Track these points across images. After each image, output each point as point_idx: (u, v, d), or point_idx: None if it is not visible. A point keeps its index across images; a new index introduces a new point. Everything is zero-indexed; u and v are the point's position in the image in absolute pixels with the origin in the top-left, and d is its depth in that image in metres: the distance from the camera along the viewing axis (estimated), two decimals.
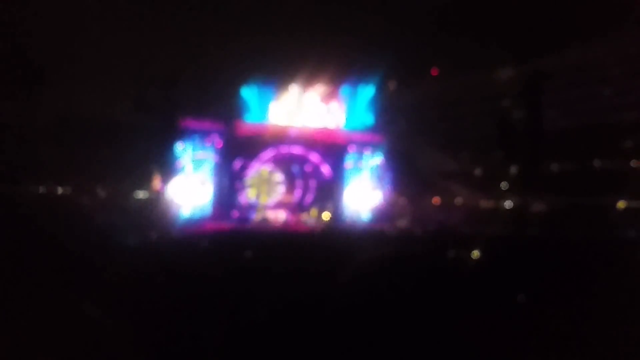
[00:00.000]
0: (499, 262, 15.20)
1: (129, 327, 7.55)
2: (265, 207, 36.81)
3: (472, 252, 16.80)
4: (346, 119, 36.61)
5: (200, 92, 36.02)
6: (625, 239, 26.57)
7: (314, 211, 35.85)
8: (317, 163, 36.48)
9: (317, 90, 35.66)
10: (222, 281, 11.43)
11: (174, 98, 35.54)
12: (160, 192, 33.07)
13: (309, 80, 35.42)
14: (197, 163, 33.26)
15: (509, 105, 47.75)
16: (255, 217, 34.95)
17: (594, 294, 9.85)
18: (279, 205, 37.39)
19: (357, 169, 36.50)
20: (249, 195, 36.68)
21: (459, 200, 43.99)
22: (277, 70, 36.03)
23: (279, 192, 38.26)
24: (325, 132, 36.17)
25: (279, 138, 34.98)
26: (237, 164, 34.71)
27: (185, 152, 32.82)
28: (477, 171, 47.73)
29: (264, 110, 35.12)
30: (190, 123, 33.49)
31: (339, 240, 22.98)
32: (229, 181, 34.37)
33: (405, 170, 37.86)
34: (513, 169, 44.67)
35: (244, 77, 35.00)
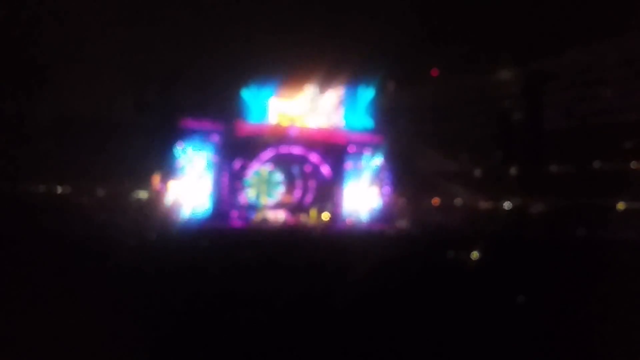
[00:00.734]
0: (498, 262, 15.21)
1: (130, 324, 7.57)
2: (265, 207, 36.82)
3: (472, 252, 16.83)
4: (346, 119, 36.65)
5: (201, 92, 36.12)
6: (625, 239, 26.54)
7: (313, 211, 35.83)
8: (317, 163, 36.47)
9: (318, 90, 35.76)
10: (221, 280, 11.43)
11: (174, 98, 35.64)
12: (160, 191, 33.07)
13: (310, 81, 35.50)
14: (197, 163, 33.27)
15: (509, 106, 47.85)
16: (255, 217, 34.94)
17: (594, 294, 9.86)
18: (279, 205, 37.39)
19: (357, 169, 36.50)
20: (248, 195, 36.68)
21: (458, 201, 44.04)
22: (277, 72, 36.12)
23: (279, 192, 38.28)
24: (325, 132, 36.19)
25: (279, 138, 34.99)
26: (237, 164, 34.71)
27: (185, 152, 32.82)
28: (477, 172, 47.81)
29: (263, 110, 35.18)
30: (190, 123, 33.51)
31: (339, 241, 22.95)
32: (229, 181, 34.37)
33: (404, 171, 37.88)
34: (513, 170, 44.73)
35: (244, 77, 35.09)
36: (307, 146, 35.80)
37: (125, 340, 6.98)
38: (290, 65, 36.18)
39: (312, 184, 37.93)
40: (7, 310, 7.97)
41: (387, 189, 36.95)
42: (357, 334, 7.88)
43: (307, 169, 37.65)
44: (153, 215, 30.53)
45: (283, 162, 37.23)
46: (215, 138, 33.86)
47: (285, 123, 35.36)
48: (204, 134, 33.59)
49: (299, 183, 38.31)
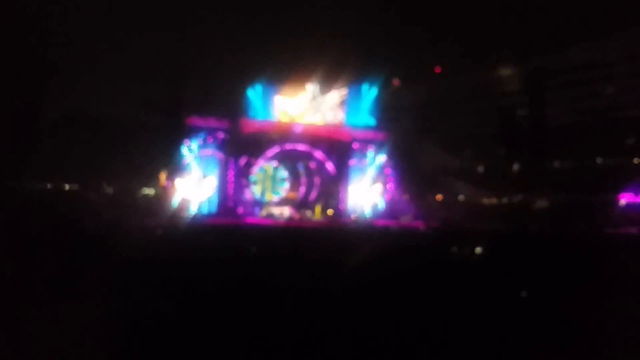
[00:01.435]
0: (502, 257, 15.34)
1: (138, 318, 7.77)
2: (270, 204, 37.13)
3: (475, 248, 17.01)
4: (350, 117, 36.84)
5: (207, 90, 36.37)
6: (627, 235, 26.67)
7: (318, 208, 36.10)
8: (322, 160, 36.69)
9: (321, 89, 35.96)
10: (227, 275, 11.62)
11: (180, 97, 35.92)
12: (167, 188, 33.41)
13: (313, 79, 35.70)
14: (203, 160, 33.60)
15: (513, 103, 47.87)
16: (260, 213, 35.24)
17: (598, 289, 10.00)
18: (284, 201, 37.68)
19: (361, 166, 36.69)
20: (254, 191, 36.99)
21: (462, 197, 44.14)
22: (282, 70, 36.33)
23: (284, 188, 38.57)
24: (330, 129, 36.40)
25: (284, 135, 35.24)
26: (243, 161, 35.02)
27: (192, 149, 33.14)
28: (480, 168, 47.90)
29: (268, 108, 35.44)
30: (196, 121, 33.85)
31: (343, 237, 23.09)
32: (235, 178, 34.69)
33: (408, 168, 38.02)
34: (516, 166, 44.79)
35: (250, 75, 35.35)
36: (312, 143, 36.03)
37: (133, 334, 7.14)
38: (294, 63, 36.37)
39: (316, 180, 38.22)
40: (16, 306, 8.07)
41: (391, 185, 37.16)
42: (362, 327, 8.03)
43: (312, 165, 37.92)
44: (160, 211, 30.86)
45: (288, 159, 37.51)
46: (221, 135, 34.20)
47: (288, 121, 35.63)
48: (210, 132, 33.92)
49: (303, 180, 38.61)
